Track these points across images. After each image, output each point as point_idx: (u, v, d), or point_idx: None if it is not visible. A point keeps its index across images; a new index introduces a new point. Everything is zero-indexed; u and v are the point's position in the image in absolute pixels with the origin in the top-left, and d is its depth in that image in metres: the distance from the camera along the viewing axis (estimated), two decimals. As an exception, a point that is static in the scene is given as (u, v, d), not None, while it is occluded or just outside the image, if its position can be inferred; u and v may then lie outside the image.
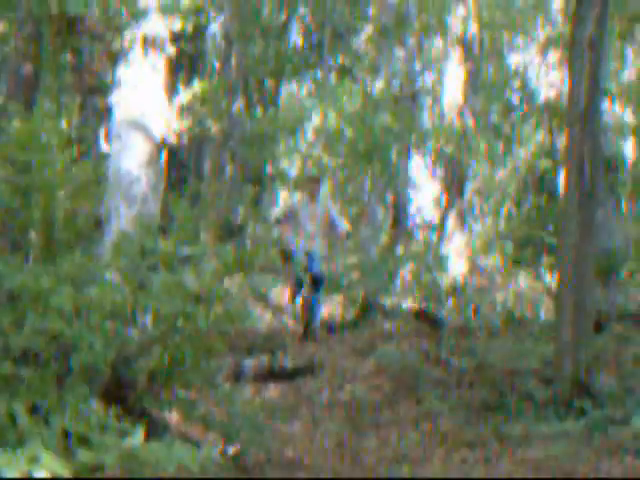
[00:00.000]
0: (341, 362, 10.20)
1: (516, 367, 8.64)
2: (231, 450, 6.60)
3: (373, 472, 6.37)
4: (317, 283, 10.83)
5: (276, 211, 12.81)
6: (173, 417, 6.75)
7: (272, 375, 9.85)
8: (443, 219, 17.76)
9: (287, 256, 12.56)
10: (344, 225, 11.60)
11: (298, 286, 10.90)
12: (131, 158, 8.25)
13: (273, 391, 9.27)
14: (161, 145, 8.55)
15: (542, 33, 17.45)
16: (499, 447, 6.57)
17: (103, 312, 6.10)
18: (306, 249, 10.79)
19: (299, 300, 10.94)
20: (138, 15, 7.09)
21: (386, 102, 17.50)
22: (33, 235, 6.29)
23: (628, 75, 16.53)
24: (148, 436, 4.94)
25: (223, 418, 7.03)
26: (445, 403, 8.09)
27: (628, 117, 16.03)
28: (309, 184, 11.23)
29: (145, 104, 8.34)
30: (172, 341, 6.35)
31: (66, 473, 3.90)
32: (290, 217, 11.05)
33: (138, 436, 4.82)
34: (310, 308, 10.84)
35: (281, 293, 14.46)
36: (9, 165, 5.66)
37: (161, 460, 4.72)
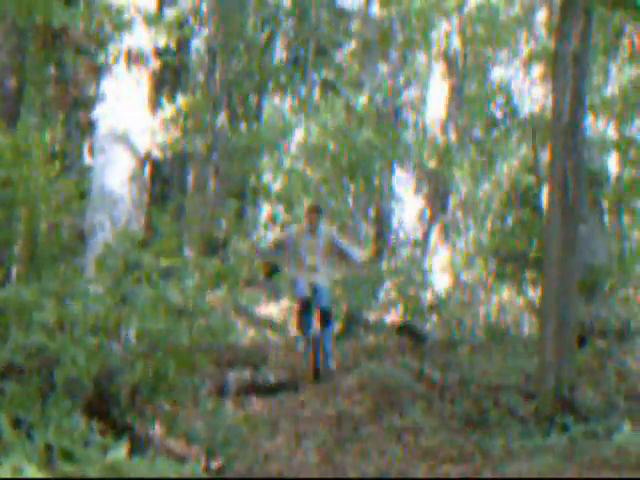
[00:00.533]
0: (325, 377, 10.71)
1: (499, 382, 8.71)
2: (214, 465, 6.59)
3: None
4: (327, 318, 10.36)
5: (271, 239, 12.77)
6: (157, 432, 6.66)
7: (255, 389, 10.03)
8: (427, 233, 17.91)
9: (271, 270, 12.89)
10: (357, 255, 11.31)
11: (305, 313, 10.39)
12: (115, 172, 8.21)
13: (256, 405, 9.28)
14: (145, 159, 8.54)
15: (526, 48, 17.59)
16: (482, 462, 6.57)
17: (86, 326, 6.08)
18: (310, 281, 10.37)
19: (308, 332, 10.33)
20: (122, 28, 7.11)
21: (369, 117, 17.63)
22: (16, 249, 6.14)
23: (611, 90, 16.65)
24: (131, 451, 5.00)
25: (207, 433, 6.90)
26: (428, 418, 8.13)
27: (611, 132, 16.15)
28: (310, 214, 10.75)
29: (129, 118, 8.37)
30: (155, 356, 6.29)
31: (50, 485, 3.93)
32: (287, 247, 10.75)
33: (121, 451, 4.84)
34: (323, 346, 10.27)
35: (264, 307, 14.63)
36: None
37: (144, 475, 4.77)
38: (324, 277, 10.50)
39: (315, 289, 10.28)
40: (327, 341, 10.29)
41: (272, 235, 17.39)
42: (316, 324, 10.29)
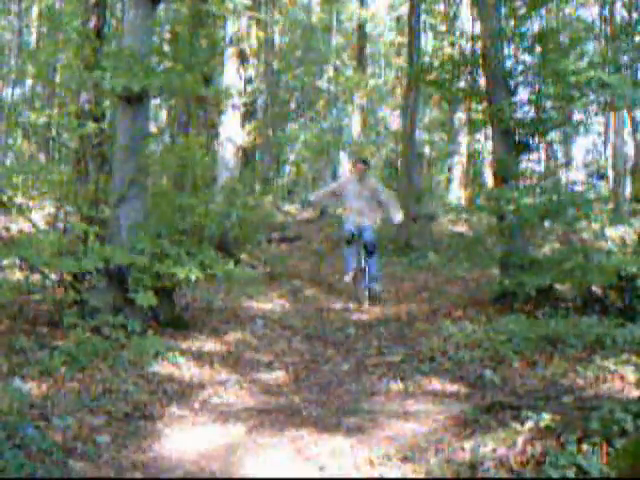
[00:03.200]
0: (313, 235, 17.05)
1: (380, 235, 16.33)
2: (267, 269, 13.14)
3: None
4: (371, 249, 10.77)
5: (328, 187, 12.53)
6: (244, 257, 13.34)
7: (283, 239, 16.77)
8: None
9: (321, 211, 19.25)
10: (394, 207, 11.17)
11: (350, 247, 10.95)
12: (227, 152, 15.00)
13: (284, 246, 16.50)
14: (239, 148, 15.35)
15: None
16: None
17: (215, 214, 10.55)
18: (357, 221, 10.91)
19: (352, 265, 10.90)
20: (228, 97, 14.92)
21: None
22: (187, 184, 11.79)
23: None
24: (235, 264, 8.26)
25: (265, 255, 14.01)
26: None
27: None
28: (357, 165, 11.31)
29: (233, 130, 14.99)
30: (242, 225, 12.89)
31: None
32: (339, 193, 11.33)
33: (231, 264, 7.95)
34: (370, 273, 10.71)
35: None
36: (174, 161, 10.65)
37: (237, 274, 8.06)
38: (368, 218, 11.02)
39: (360, 227, 10.87)
40: (372, 267, 10.81)
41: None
42: (363, 255, 10.77)
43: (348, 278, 11.06)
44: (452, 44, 18.25)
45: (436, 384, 5.94)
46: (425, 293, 11.29)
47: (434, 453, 4.26)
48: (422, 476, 4.08)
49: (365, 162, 11.60)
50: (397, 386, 5.96)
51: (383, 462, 4.24)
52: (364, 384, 6.16)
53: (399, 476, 4.10)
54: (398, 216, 11.17)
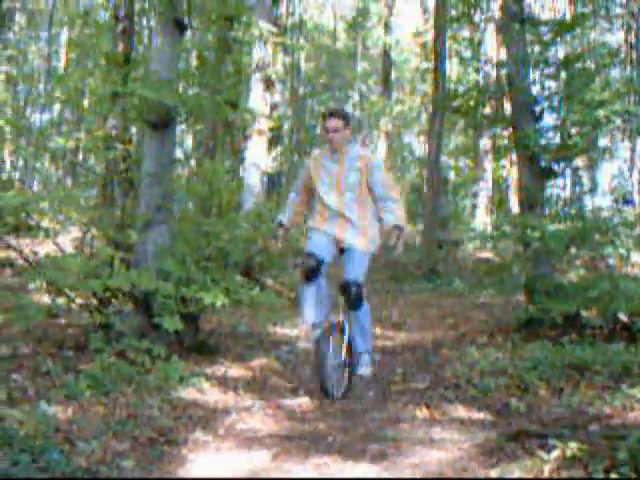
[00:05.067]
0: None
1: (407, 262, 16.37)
2: (292, 294, 13.15)
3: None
4: (354, 296, 6.31)
5: (294, 195, 7.15)
6: (270, 282, 13.58)
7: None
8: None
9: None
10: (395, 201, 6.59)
11: (308, 278, 6.31)
12: (253, 177, 15.76)
13: None
14: (264, 173, 15.76)
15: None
16: (399, 294, 14.29)
17: (242, 240, 9.50)
18: (337, 236, 6.42)
19: (320, 309, 6.39)
20: (254, 119, 15.16)
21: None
22: (213, 209, 12.26)
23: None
24: (260, 290, 8.52)
25: (290, 281, 14.11)
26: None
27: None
28: (330, 121, 6.34)
29: (258, 156, 15.79)
30: (270, 251, 12.31)
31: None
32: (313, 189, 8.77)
33: (256, 290, 8.10)
34: (354, 340, 6.57)
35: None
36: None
37: (262, 300, 7.92)
38: (359, 230, 6.45)
39: (340, 246, 6.46)
40: (359, 329, 6.54)
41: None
42: (341, 304, 6.40)
43: (305, 333, 6.83)
44: (477, 70, 18.27)
45: (462, 411, 5.90)
46: (450, 319, 11.28)
47: (459, 481, 4.23)
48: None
49: (343, 116, 6.53)
50: (422, 413, 5.93)
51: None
52: (389, 411, 6.13)
53: (424, 504, 4.07)
54: (398, 219, 6.29)
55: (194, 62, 18.01)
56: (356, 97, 27.05)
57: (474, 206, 22.60)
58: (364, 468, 4.54)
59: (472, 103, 11.32)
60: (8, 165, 21.54)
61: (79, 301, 7.95)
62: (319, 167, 6.64)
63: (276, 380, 7.32)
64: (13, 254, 8.66)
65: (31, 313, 7.31)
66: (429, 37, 23.60)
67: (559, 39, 11.37)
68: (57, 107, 25.69)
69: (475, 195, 22.62)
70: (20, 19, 28.91)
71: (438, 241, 15.44)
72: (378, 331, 10.46)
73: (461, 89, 12.36)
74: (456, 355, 8.20)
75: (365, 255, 6.51)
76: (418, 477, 4.15)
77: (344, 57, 29.07)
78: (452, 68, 22.39)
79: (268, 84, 15.61)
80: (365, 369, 6.75)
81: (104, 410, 5.59)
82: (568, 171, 12.18)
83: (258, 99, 15.59)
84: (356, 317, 6.52)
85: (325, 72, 29.99)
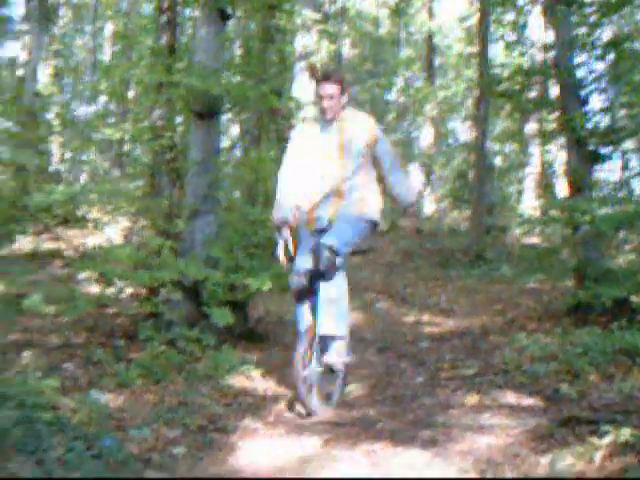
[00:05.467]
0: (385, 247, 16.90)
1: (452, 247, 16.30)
2: None
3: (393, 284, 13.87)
4: (326, 262, 5.34)
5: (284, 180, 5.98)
6: None
7: (355, 252, 15.83)
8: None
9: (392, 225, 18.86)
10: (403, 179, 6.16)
11: (299, 298, 5.82)
12: None
13: (356, 259, 15.82)
14: None
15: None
16: (447, 280, 14.29)
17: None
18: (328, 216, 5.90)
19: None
20: (300, 108, 15.13)
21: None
22: (259, 197, 12.35)
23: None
24: None
25: None
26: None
27: None
28: (323, 84, 5.63)
29: None
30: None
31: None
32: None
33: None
34: (320, 324, 5.62)
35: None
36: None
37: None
38: (355, 200, 5.68)
39: (331, 248, 5.39)
40: (326, 308, 5.51)
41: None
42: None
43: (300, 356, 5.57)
44: (522, 54, 18.10)
45: (511, 398, 5.87)
46: (498, 305, 11.19)
47: (511, 468, 4.21)
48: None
49: (339, 80, 5.74)
50: (471, 399, 5.91)
51: (460, 476, 4.21)
52: (438, 397, 6.12)
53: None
54: (410, 196, 5.93)
55: (238, 52, 18.11)
56: (400, 83, 26.86)
57: (521, 191, 22.44)
58: (415, 454, 4.55)
59: (517, 87, 11.22)
60: (57, 157, 21.77)
61: (128, 290, 8.04)
62: (312, 140, 5.78)
63: (324, 367, 7.32)
64: (63, 245, 8.80)
65: (81, 304, 7.41)
66: (473, 21, 23.40)
67: (606, 20, 11.22)
68: (102, 99, 25.91)
69: (522, 180, 22.46)
70: (65, 13, 29.20)
71: (485, 227, 15.33)
72: (426, 318, 10.46)
73: (506, 73, 12.28)
74: (505, 341, 8.14)
75: (356, 221, 5.65)
76: (412, 477, 4.15)
77: (387, 44, 28.88)
78: (497, 52, 22.19)
79: (312, 72, 15.49)
80: (335, 357, 5.68)
81: (155, 398, 5.67)
82: (617, 154, 11.98)
83: (302, 87, 15.59)
84: (326, 290, 5.47)
85: (368, 59, 29.84)
